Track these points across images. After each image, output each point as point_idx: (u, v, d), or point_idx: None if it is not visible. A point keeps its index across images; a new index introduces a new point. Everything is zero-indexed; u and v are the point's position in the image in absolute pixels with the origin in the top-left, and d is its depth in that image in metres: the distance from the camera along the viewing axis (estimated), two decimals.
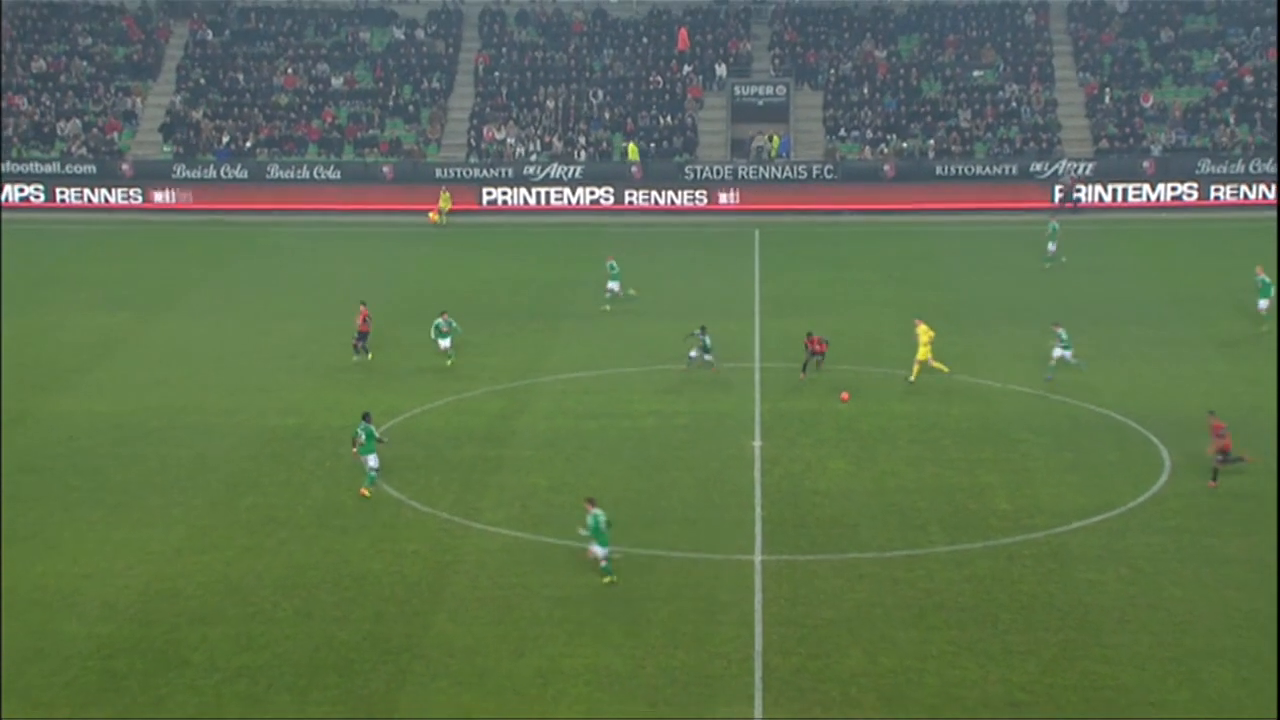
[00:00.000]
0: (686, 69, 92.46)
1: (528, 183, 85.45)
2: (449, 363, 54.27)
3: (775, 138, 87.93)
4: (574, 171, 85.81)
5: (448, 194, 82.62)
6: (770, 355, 55.64)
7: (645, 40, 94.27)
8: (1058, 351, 52.29)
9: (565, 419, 49.13)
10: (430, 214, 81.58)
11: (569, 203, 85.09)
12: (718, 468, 44.86)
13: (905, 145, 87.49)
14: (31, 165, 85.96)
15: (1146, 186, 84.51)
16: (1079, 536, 39.71)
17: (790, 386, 51.81)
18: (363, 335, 55.48)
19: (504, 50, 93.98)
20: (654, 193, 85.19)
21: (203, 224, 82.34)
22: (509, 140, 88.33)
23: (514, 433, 47.91)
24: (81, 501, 42.25)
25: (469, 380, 53.06)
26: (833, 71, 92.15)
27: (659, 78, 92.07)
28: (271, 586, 36.98)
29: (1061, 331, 52.30)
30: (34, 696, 31.93)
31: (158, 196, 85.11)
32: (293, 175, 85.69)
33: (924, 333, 51.87)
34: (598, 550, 36.94)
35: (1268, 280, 58.60)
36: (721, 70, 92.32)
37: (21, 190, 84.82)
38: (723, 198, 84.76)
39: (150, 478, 43.87)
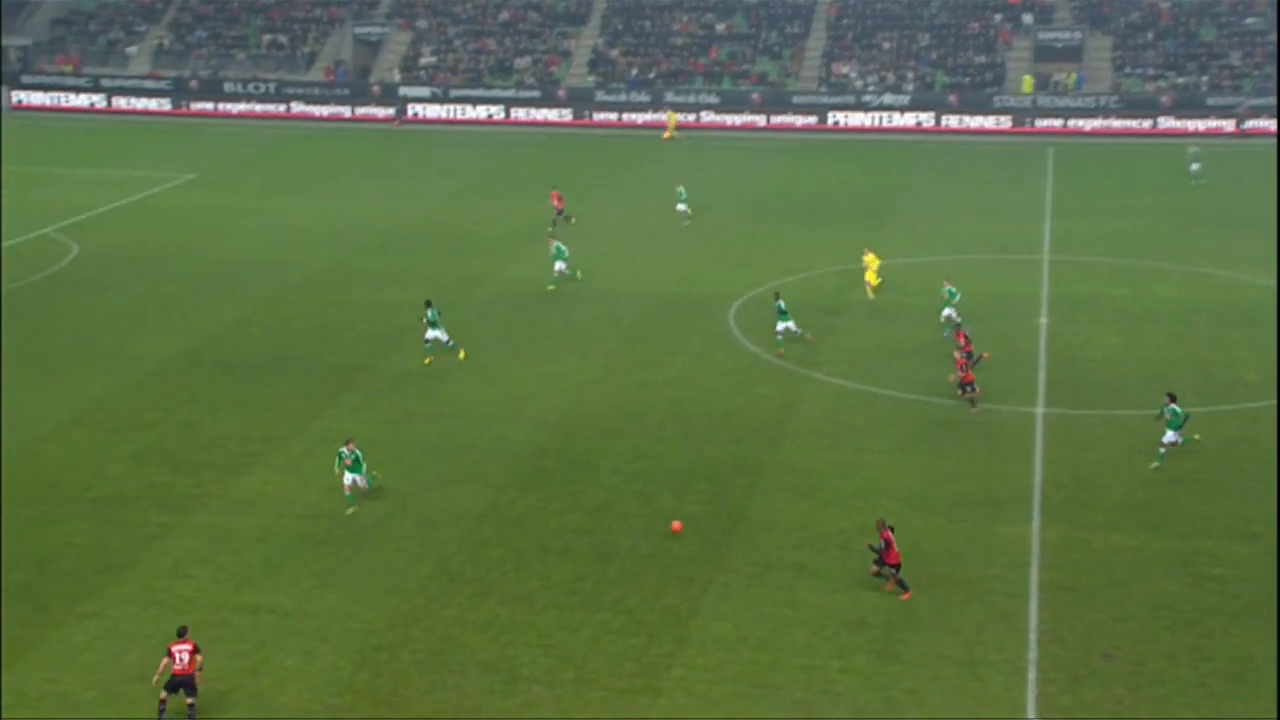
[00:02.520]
0: (998, 18, 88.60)
1: (865, 108, 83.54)
2: (550, 288, 48.71)
3: (1072, 74, 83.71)
4: (903, 100, 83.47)
5: (673, 114, 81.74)
6: (1057, 249, 53.43)
7: None
8: (781, 325, 41.91)
9: (889, 294, 48.25)
10: (665, 133, 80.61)
11: (897, 124, 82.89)
12: (1010, 337, 43.48)
13: (1181, 80, 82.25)
14: (495, 91, 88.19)
15: None
16: None
17: (1073, 275, 49.62)
18: (560, 211, 56.86)
19: (850, 2, 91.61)
20: (966, 118, 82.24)
21: (615, 136, 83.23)
22: (851, 74, 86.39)
23: (847, 305, 47.33)
24: (522, 341, 43.60)
25: (814, 262, 52.54)
26: (1123, 20, 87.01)
27: (975, 25, 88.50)
28: (659, 414, 37.60)
29: (781, 303, 42.25)
30: (489, 481, 33.33)
31: (585, 115, 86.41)
32: (682, 100, 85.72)
33: (871, 260, 47.86)
34: (358, 480, 31.95)
35: None
36: (1028, 19, 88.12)
37: (487, 110, 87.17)
38: (1024, 122, 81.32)
39: (572, 327, 44.97)
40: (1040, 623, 26.81)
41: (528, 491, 32.81)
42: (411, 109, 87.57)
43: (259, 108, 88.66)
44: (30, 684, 24.96)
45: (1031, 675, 25.21)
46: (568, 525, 31.13)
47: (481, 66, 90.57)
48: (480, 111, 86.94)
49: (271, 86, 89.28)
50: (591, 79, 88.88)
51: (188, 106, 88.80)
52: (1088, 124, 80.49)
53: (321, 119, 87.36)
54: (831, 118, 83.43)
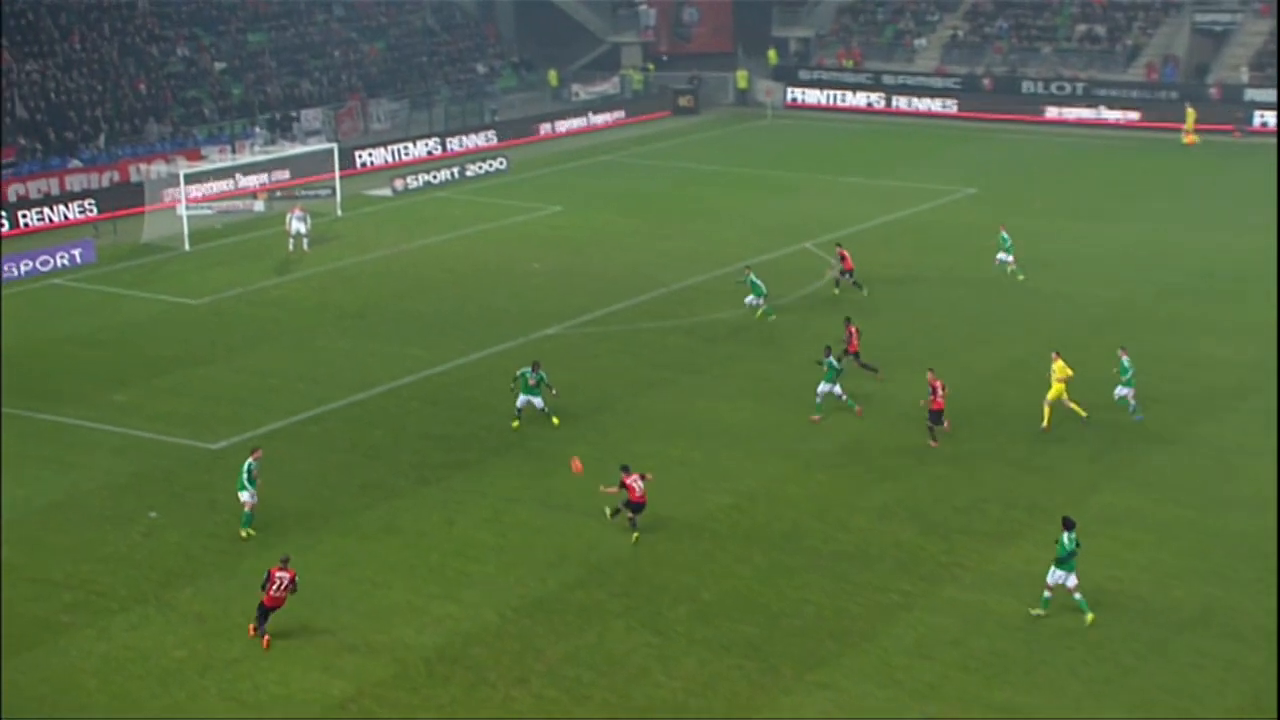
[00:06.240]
0: None
1: None
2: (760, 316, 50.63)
3: None
4: None
5: (1191, 110, 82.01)
6: None
7: None
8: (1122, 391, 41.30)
9: None
10: (1186, 137, 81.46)
11: None
12: None
13: None
14: None
15: None
16: None
17: None
18: (846, 271, 53.68)
19: None
20: None
21: None
22: None
23: None
24: None
25: None
26: None
27: None
28: None
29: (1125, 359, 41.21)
30: None
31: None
32: None
33: (1060, 369, 40.76)
34: (246, 497, 35.05)
35: None
36: None
37: None
38: None
39: None
40: None
41: None
42: (1259, 117, 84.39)
43: (1060, 111, 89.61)
44: None
45: None
46: None
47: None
48: None
49: (1078, 87, 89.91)
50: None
51: (977, 109, 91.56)
52: None
53: (1135, 125, 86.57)
54: None
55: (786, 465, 39.19)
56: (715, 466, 39.16)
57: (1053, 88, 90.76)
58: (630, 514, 34.64)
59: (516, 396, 41.59)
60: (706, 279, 56.37)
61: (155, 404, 44.05)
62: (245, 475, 35.04)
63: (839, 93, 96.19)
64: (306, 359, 48.31)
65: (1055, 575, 30.73)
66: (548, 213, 68.94)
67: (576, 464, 35.84)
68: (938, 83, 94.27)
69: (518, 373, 41.74)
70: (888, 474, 38.48)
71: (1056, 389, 40.84)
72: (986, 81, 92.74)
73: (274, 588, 30.11)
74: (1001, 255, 55.50)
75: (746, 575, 33.14)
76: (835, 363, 41.94)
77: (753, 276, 51.07)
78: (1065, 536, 30.62)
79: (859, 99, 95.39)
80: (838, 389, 41.90)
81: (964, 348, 47.86)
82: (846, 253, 53.47)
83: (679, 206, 69.89)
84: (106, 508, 36.90)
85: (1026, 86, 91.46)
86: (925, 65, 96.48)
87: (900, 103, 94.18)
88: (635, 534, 34.56)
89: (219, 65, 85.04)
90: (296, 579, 30.39)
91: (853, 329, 44.63)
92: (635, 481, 34.34)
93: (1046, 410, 40.95)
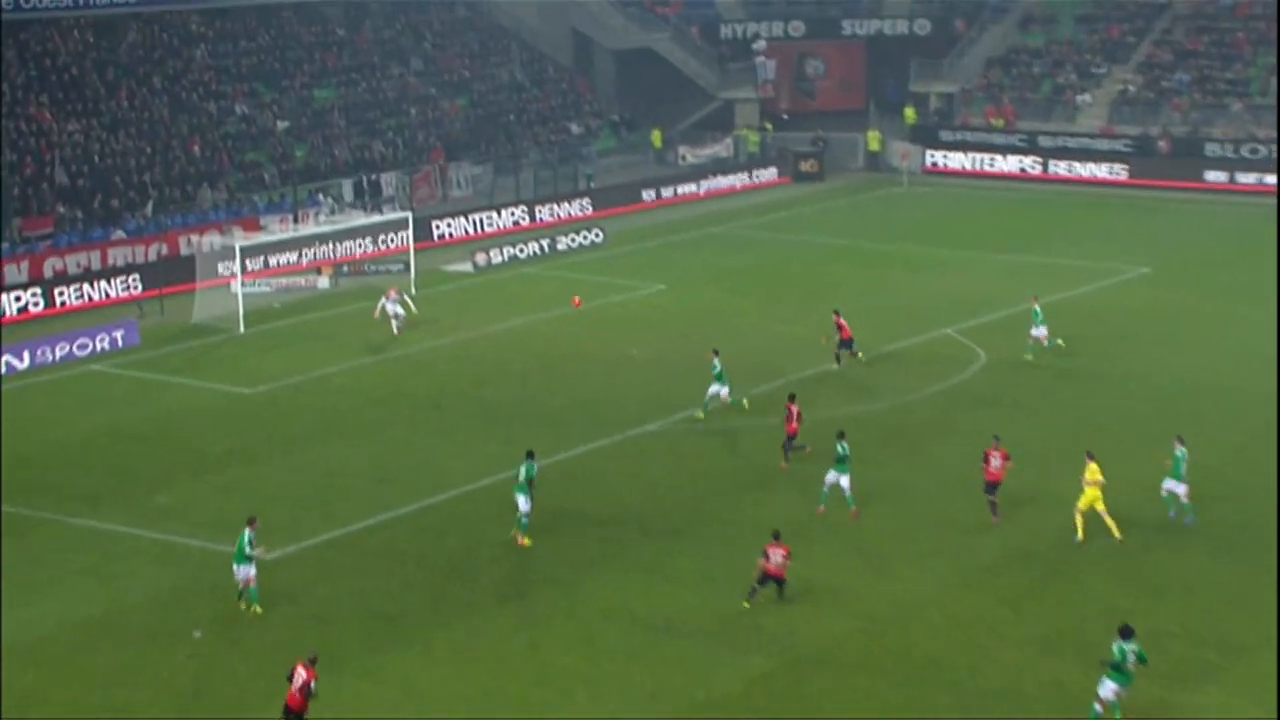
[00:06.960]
0: None
1: None
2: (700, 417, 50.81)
3: None
4: None
5: None
6: None
7: None
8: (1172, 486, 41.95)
9: None
10: None
11: None
12: None
13: None
14: None
15: None
16: None
17: None
18: (846, 340, 55.67)
19: None
20: None
21: None
22: None
23: None
24: None
25: None
26: None
27: None
28: None
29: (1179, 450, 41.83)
30: None
31: None
32: None
33: (1093, 473, 40.67)
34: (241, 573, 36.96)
35: None
36: None
37: None
38: None
39: None
40: None
41: None
42: None
43: (1248, 178, 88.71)
44: None
45: None
46: None
47: None
48: None
49: (1271, 149, 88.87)
50: None
51: (1152, 175, 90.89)
52: None
53: None
54: None
55: (923, 584, 38.76)
56: (838, 585, 38.77)
57: (1243, 150, 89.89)
58: (771, 585, 37.21)
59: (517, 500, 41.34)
60: (831, 368, 56.23)
61: (203, 507, 44.49)
62: (243, 548, 36.69)
63: (987, 156, 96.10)
64: (373, 456, 48.62)
65: (1107, 688, 31.20)
66: (649, 292, 69.19)
67: (576, 300, 39.43)
68: (1104, 145, 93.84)
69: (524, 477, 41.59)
70: (1046, 597, 37.93)
71: (1089, 495, 40.70)
72: (1163, 143, 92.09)
73: (295, 684, 30.66)
74: (1035, 331, 56.52)
75: (876, 714, 32.74)
76: (843, 450, 43.05)
77: (715, 362, 50.96)
78: (1119, 645, 31.25)
79: (1010, 163, 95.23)
80: (845, 481, 42.71)
81: (1130, 451, 47.11)
82: (844, 321, 55.42)
83: (799, 285, 69.91)
84: (147, 625, 37.15)
85: (1211, 149, 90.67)
86: (1090, 125, 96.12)
87: (1059, 168, 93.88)
88: (779, 599, 37.29)
89: (282, 124, 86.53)
90: (313, 685, 30.62)
91: (793, 408, 46.60)
92: (775, 551, 36.95)
93: (1079, 520, 40.77)
